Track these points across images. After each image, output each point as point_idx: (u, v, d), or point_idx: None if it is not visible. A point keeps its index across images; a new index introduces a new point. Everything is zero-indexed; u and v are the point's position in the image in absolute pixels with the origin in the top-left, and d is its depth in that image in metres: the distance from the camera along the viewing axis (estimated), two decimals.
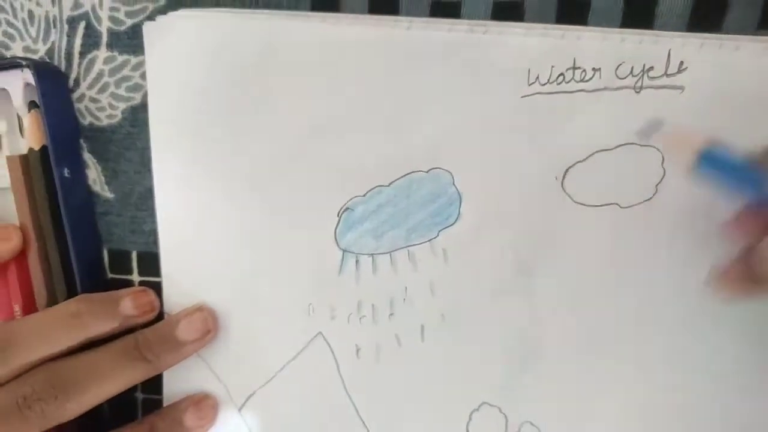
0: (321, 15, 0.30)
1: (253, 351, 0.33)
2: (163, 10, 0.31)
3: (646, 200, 0.29)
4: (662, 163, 0.29)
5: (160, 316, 0.33)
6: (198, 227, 0.32)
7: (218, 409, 0.33)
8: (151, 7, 0.32)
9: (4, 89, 0.32)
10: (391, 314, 0.31)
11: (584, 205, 0.29)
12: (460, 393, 0.31)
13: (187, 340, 0.32)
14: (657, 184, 0.29)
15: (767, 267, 0.23)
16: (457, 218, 0.30)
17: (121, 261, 0.34)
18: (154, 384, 0.34)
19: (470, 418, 0.31)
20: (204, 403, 0.33)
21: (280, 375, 0.33)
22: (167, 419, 0.32)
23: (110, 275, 0.34)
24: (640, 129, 0.28)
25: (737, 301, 0.28)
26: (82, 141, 0.33)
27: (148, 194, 0.33)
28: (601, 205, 0.29)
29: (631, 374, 0.30)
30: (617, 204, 0.29)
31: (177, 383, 0.34)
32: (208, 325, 0.32)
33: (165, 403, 0.34)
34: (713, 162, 0.25)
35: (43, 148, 0.32)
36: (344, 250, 0.31)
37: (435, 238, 0.31)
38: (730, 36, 0.28)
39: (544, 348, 0.31)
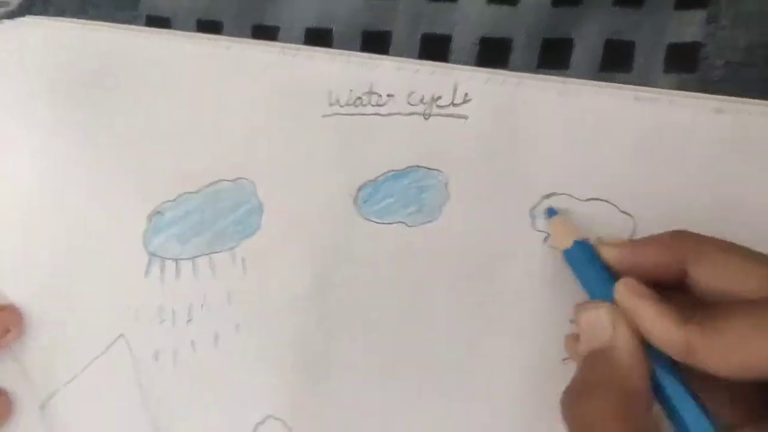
0: (154, 31, 0.33)
1: (61, 349, 0.33)
2: (11, 15, 0.34)
3: (431, 221, 0.30)
4: (446, 186, 0.30)
5: None
6: (16, 222, 0.33)
7: (10, 407, 0.33)
8: (0, 10, 0.34)
9: None
10: (189, 320, 0.32)
11: (374, 222, 0.30)
12: (247, 404, 0.31)
13: None
14: (442, 207, 0.30)
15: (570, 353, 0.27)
16: (257, 228, 0.31)
17: None
18: None
19: (255, 430, 0.31)
20: None
21: (83, 374, 0.33)
22: None
23: None
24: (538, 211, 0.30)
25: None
26: None
27: None
28: (390, 223, 0.30)
29: (418, 393, 0.30)
30: (404, 223, 0.30)
31: None
32: (9, 324, 0.32)
33: None
34: (575, 258, 0.27)
35: None
36: (151, 254, 0.32)
37: (236, 246, 0.32)
38: (513, 73, 0.30)
39: (332, 364, 0.31)
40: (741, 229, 0.26)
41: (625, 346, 0.24)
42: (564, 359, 0.29)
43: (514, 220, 0.30)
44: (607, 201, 0.29)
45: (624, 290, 0.25)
